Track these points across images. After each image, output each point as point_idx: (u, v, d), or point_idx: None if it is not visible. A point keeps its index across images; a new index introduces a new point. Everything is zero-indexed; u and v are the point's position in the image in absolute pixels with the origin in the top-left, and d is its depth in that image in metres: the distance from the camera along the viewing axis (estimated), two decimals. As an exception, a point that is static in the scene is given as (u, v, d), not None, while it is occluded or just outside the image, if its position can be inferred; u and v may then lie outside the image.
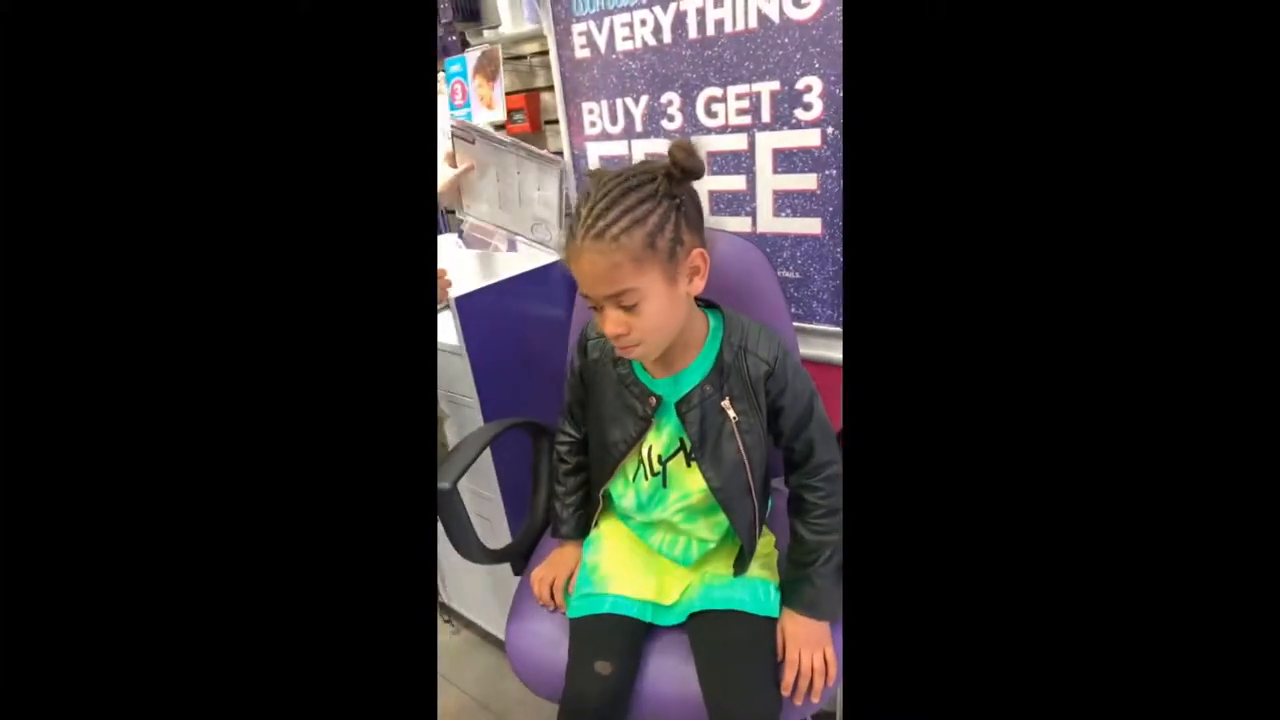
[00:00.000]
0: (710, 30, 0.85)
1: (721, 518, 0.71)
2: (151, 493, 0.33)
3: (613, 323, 0.61)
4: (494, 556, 0.81)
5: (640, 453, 0.72)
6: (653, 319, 0.61)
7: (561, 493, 0.82)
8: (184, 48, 0.32)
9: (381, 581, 0.36)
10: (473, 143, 1.00)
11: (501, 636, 0.77)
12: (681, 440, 0.69)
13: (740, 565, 0.72)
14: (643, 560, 0.76)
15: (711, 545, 0.75)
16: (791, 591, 0.69)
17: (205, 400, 0.33)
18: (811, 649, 0.65)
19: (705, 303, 0.71)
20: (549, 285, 1.11)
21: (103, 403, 0.32)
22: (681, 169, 0.59)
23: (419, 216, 0.37)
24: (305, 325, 0.34)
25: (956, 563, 0.33)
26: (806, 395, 0.69)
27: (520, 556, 0.86)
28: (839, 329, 0.87)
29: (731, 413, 0.66)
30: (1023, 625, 0.32)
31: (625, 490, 0.75)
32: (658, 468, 0.71)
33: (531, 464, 0.93)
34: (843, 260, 0.81)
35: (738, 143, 0.88)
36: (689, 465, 0.70)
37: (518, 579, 0.84)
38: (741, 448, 0.67)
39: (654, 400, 0.69)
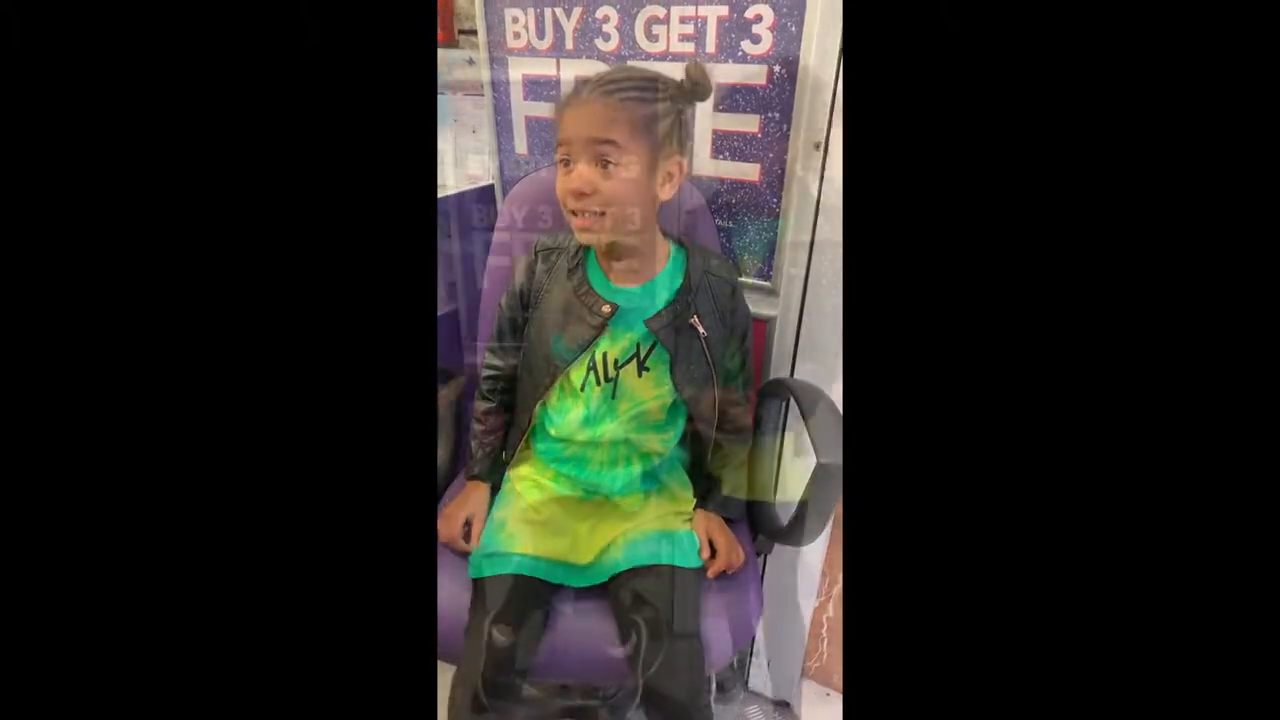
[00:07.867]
0: (656, -61, 0.76)
1: (670, 433, 0.75)
2: (142, 463, 0.31)
3: (580, 177, 0.61)
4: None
5: (592, 358, 0.70)
6: (620, 187, 0.61)
7: (480, 430, 0.77)
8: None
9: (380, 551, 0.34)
10: None
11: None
12: (637, 346, 0.69)
13: (703, 497, 0.76)
14: (556, 515, 0.72)
15: (655, 463, 0.74)
16: (708, 495, 0.76)
17: (206, 376, 0.32)
18: (730, 543, 0.72)
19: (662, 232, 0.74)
20: (447, 219, 1.01)
21: (95, 382, 0.31)
22: (694, 83, 0.64)
23: (419, 201, 0.36)
24: (307, 308, 0.33)
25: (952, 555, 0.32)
26: (747, 318, 0.77)
27: (420, 510, 0.78)
28: (768, 283, 0.84)
29: (701, 329, 0.69)
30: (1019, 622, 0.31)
31: (573, 404, 0.71)
32: (612, 373, 0.69)
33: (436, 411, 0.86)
34: (842, 267, 0.78)
35: (678, 73, 0.80)
36: (640, 375, 0.70)
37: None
38: (710, 361, 0.71)
39: (607, 308, 0.68)
